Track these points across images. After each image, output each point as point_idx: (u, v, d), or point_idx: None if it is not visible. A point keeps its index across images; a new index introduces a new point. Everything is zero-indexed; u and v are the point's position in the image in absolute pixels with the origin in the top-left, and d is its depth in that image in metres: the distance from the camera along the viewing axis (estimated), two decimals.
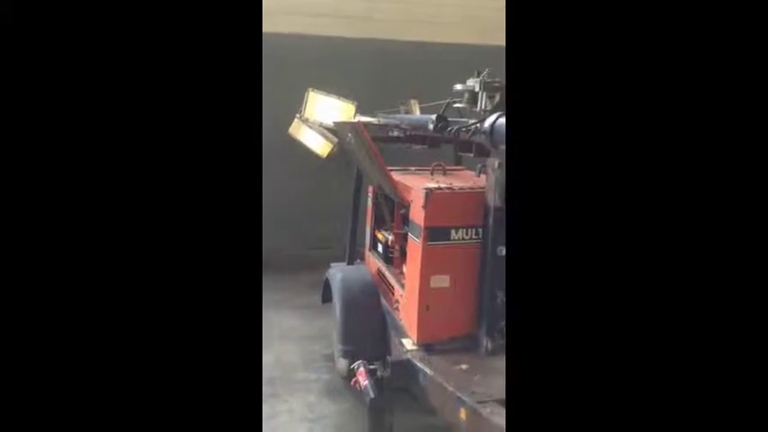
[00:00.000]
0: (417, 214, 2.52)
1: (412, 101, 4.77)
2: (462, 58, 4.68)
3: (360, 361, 2.47)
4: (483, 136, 2.30)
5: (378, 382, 2.38)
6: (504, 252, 2.41)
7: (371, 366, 2.44)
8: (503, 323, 2.45)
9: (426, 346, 2.51)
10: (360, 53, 5.15)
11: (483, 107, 2.42)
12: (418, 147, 3.40)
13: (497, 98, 2.38)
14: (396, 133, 3.61)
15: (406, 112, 4.58)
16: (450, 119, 2.60)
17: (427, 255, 2.48)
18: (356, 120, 3.79)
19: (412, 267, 2.59)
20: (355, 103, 4.25)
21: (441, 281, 2.51)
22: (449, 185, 2.58)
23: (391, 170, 3.20)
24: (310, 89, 4.10)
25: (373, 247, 3.36)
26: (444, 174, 3.00)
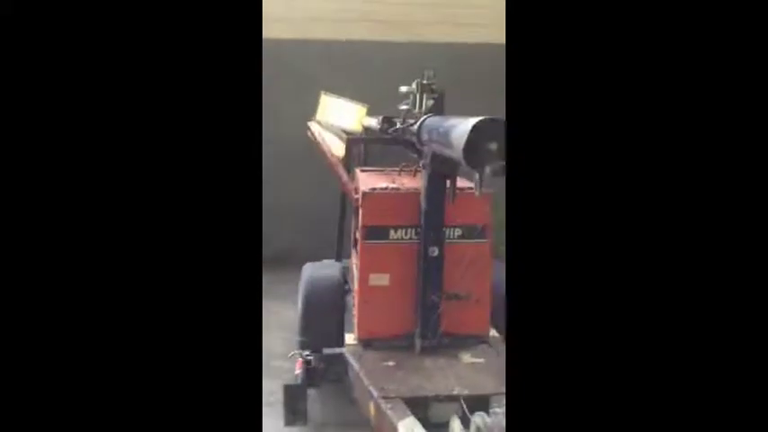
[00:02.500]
0: (359, 213, 2.59)
1: None
2: (494, 59, 4.67)
3: (297, 350, 2.58)
4: (414, 137, 2.34)
5: (308, 372, 2.48)
6: (436, 253, 2.44)
7: (308, 357, 2.55)
8: (434, 323, 2.48)
9: (366, 342, 2.58)
10: (391, 56, 5.24)
11: (422, 108, 2.45)
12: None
13: (434, 99, 2.40)
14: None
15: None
16: (395, 119, 2.65)
17: (365, 253, 2.55)
18: (362, 121, 3.89)
19: (356, 266, 2.67)
20: (366, 105, 4.37)
21: (380, 279, 2.57)
22: (395, 186, 2.63)
23: (369, 170, 3.29)
24: (323, 92, 4.26)
25: (354, 245, 3.45)
26: (414, 175, 3.04)
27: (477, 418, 1.76)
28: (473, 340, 2.58)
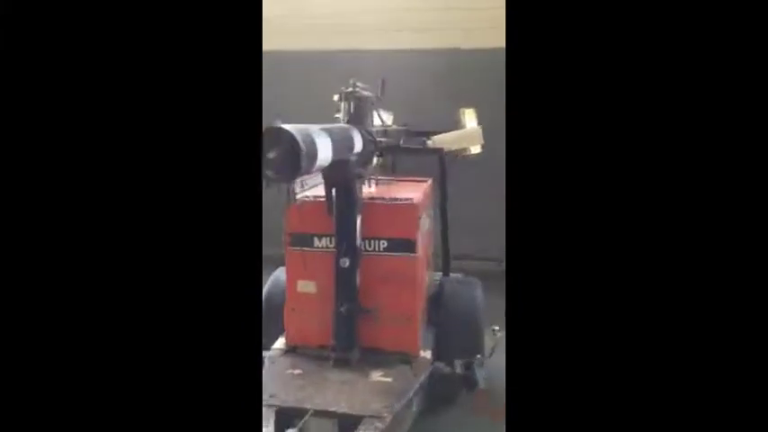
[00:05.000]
0: None
1: (465, 110, 4.62)
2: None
3: None
4: None
5: None
6: (347, 264, 2.37)
7: None
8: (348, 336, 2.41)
9: (291, 348, 2.58)
10: (435, 63, 5.15)
11: (346, 117, 2.40)
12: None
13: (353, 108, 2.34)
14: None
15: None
16: None
17: (290, 259, 2.55)
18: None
19: None
20: (392, 113, 4.33)
21: (307, 286, 2.55)
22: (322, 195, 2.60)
23: None
24: None
25: None
26: (394, 184, 2.98)
27: None
28: (397, 358, 2.47)
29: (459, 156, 4.29)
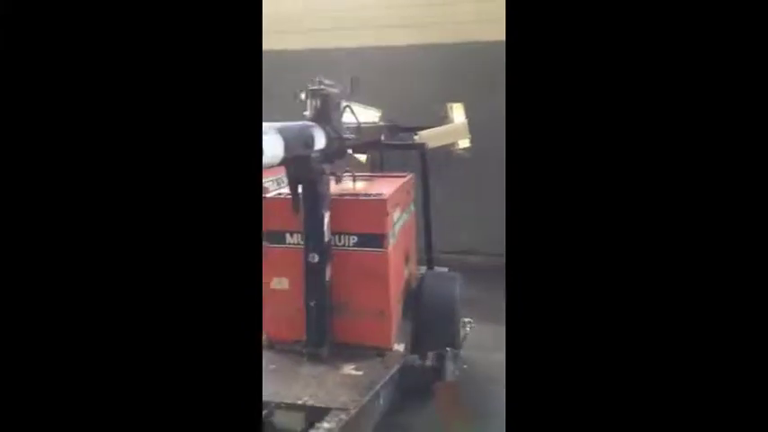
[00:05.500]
0: None
1: (452, 105, 4.61)
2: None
3: None
4: None
5: None
6: (316, 259, 2.40)
7: None
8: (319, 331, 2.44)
9: (269, 344, 2.62)
10: (423, 59, 5.16)
11: (309, 114, 2.42)
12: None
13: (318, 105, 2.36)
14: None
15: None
16: None
17: (265, 256, 2.58)
18: None
19: None
20: (380, 110, 4.34)
21: (280, 283, 2.59)
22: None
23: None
24: None
25: None
26: (374, 181, 3.00)
27: None
28: (371, 352, 2.50)
29: (451, 150, 4.32)
